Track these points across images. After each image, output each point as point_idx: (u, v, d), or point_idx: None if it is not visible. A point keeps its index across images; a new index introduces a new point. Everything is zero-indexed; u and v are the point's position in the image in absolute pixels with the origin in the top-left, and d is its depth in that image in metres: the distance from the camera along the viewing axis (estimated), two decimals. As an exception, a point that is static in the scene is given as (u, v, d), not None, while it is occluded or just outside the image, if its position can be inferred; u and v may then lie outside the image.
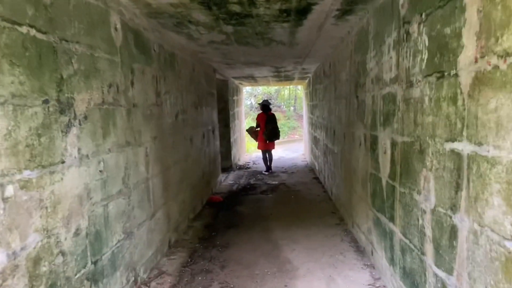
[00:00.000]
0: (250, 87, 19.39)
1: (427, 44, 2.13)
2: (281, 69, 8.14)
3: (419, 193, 2.30)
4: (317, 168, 8.54)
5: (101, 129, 2.63)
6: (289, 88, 20.95)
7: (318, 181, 7.87)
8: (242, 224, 5.03)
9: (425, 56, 2.16)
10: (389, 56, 2.84)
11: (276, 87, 19.48)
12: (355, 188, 4.23)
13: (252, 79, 10.42)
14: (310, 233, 4.55)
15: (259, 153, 13.03)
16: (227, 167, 9.67)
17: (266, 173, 9.51)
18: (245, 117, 18.56)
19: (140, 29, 3.46)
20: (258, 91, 19.62)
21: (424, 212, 2.22)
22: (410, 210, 2.45)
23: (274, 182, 7.92)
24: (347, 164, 4.71)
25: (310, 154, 10.34)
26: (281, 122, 18.60)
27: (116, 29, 2.92)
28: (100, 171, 2.61)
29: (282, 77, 9.92)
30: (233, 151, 10.10)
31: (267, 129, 9.46)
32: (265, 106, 9.75)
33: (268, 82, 11.68)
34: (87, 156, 2.43)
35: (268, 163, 9.59)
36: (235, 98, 10.97)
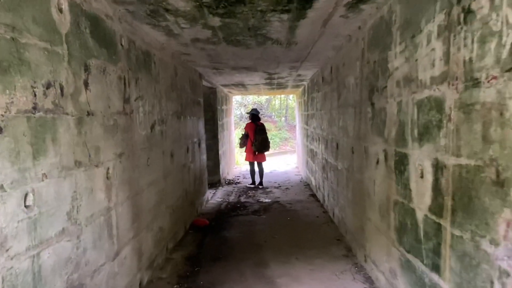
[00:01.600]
0: (240, 96, 18.71)
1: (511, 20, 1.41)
2: (275, 75, 7.43)
3: (494, 243, 1.55)
4: (313, 183, 7.79)
5: (30, 146, 1.84)
6: (280, 98, 20.31)
7: (315, 199, 7.12)
8: (231, 255, 4.24)
9: (509, 40, 1.43)
10: (429, 49, 2.12)
11: (267, 97, 18.80)
12: (369, 215, 3.48)
13: (242, 87, 9.70)
14: (314, 269, 3.77)
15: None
16: (215, 182, 8.87)
17: (252, 186, 8.75)
18: (235, 127, 17.83)
19: (101, 16, 2.70)
20: (248, 100, 18.93)
21: (507, 274, 1.47)
22: (475, 265, 1.70)
23: (267, 200, 7.14)
24: (358, 185, 3.96)
25: (305, 167, 9.60)
26: (272, 133, 17.89)
27: (60, 10, 2.15)
28: (27, 206, 1.81)
29: (275, 85, 9.22)
30: (222, 165, 9.32)
31: (256, 140, 8.73)
32: (254, 116, 9.02)
33: (259, 90, 10.98)
34: (1, 187, 1.64)
35: (259, 177, 8.83)
36: (224, 107, 10.22)
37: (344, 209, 4.72)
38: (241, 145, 9.10)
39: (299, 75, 7.50)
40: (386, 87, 2.89)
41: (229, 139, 11.24)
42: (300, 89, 10.54)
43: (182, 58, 5.13)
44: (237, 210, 6.43)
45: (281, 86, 9.73)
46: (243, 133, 9.08)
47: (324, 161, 6.34)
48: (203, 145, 6.84)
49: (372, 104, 3.29)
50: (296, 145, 13.48)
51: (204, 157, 6.97)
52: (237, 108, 18.93)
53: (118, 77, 2.95)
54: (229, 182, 9.37)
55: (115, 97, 2.89)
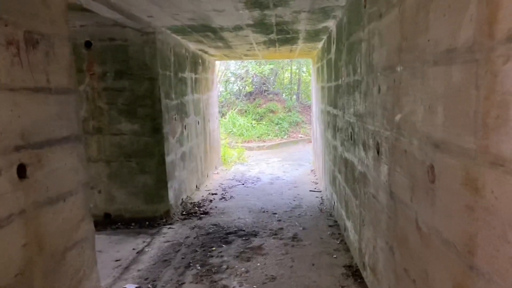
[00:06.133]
0: (235, 64, 14.21)
1: None
2: (269, 1, 3.10)
3: None
4: (355, 241, 3.54)
5: None
6: (291, 69, 15.77)
7: (363, 295, 2.86)
8: None
9: None
10: None
11: (271, 66, 14.27)
12: None
13: (214, 36, 5.32)
14: None
15: (243, 168, 8.04)
16: (158, 217, 4.68)
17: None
18: (227, 108, 13.50)
19: None
20: (249, 72, 14.42)
21: None
22: None
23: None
24: None
25: (327, 182, 5.31)
26: (279, 116, 13.51)
27: None
28: None
29: (274, 30, 4.84)
30: (176, 181, 5.08)
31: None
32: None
33: (252, 48, 6.57)
34: None
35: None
36: (188, 75, 5.89)
37: None
38: None
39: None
40: None
41: (203, 130, 6.94)
42: (320, 44, 6.14)
43: None
44: None
45: (286, 36, 5.32)
46: None
47: (388, 211, 2.04)
48: None
49: None
50: (312, 136, 9.14)
51: None
52: (233, 82, 14.52)
53: None
54: (190, 213, 5.12)
55: None
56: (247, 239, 4.05)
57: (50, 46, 2.42)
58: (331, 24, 4.53)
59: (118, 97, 4.45)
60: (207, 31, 4.83)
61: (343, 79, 3.97)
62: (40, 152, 2.30)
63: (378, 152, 2.58)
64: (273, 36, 5.29)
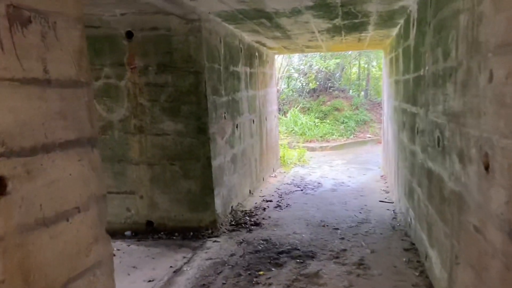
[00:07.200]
0: (298, 58, 13.45)
1: None
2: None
3: None
4: (437, 270, 2.72)
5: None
6: (359, 64, 14.65)
7: None
8: None
9: None
10: None
11: (337, 60, 13.26)
12: None
13: (270, 24, 4.68)
14: None
15: (304, 171, 7.33)
16: (203, 228, 4.18)
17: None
18: (289, 105, 12.82)
19: None
20: (313, 67, 13.58)
21: None
22: None
23: None
24: None
25: (401, 193, 4.44)
26: (345, 114, 12.54)
27: None
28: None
29: (338, 13, 4.09)
30: (225, 187, 4.55)
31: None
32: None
33: (314, 38, 5.84)
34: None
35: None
36: (241, 69, 5.34)
37: None
38: None
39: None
40: None
41: (259, 129, 6.37)
42: (395, 31, 5.24)
43: None
44: None
45: (354, 21, 4.54)
46: None
47: None
48: None
49: None
50: (382, 137, 8.17)
51: None
52: (296, 78, 13.79)
53: None
54: (239, 223, 4.55)
55: None
56: (301, 262, 3.39)
57: (49, 27, 1.90)
58: (410, 2, 3.68)
59: (161, 93, 4.01)
60: (261, 17, 4.22)
61: (426, 68, 3.13)
62: (30, 161, 1.80)
63: (486, 168, 1.78)
64: (338, 21, 4.53)
